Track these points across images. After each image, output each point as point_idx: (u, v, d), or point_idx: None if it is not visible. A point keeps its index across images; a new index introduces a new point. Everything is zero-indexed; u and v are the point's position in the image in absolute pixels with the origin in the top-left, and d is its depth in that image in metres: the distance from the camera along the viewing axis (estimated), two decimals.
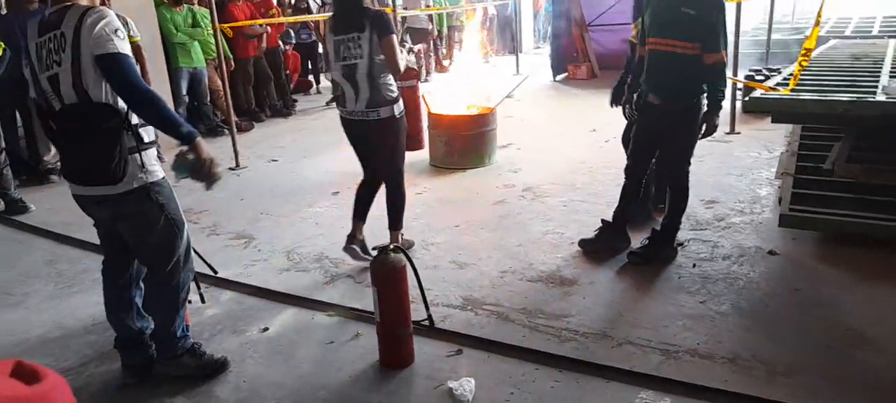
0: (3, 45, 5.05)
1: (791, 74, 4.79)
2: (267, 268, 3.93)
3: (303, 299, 3.48)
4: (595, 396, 2.57)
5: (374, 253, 2.88)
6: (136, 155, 2.44)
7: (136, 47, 5.87)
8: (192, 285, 3.19)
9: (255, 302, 3.50)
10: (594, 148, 6.23)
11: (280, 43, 8.92)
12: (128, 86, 2.32)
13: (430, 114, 5.93)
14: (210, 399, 2.68)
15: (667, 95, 3.52)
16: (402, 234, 4.03)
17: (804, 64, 4.75)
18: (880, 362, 2.69)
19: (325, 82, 10.58)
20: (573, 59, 10.59)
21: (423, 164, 5.91)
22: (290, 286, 3.64)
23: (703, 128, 3.49)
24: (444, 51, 12.73)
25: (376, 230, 3.98)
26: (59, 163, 5.74)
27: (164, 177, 2.57)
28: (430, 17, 11.39)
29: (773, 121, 4.29)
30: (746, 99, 4.68)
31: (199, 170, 2.48)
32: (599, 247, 3.83)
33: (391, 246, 2.80)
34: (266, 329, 3.20)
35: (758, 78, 6.71)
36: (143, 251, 2.67)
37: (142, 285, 2.81)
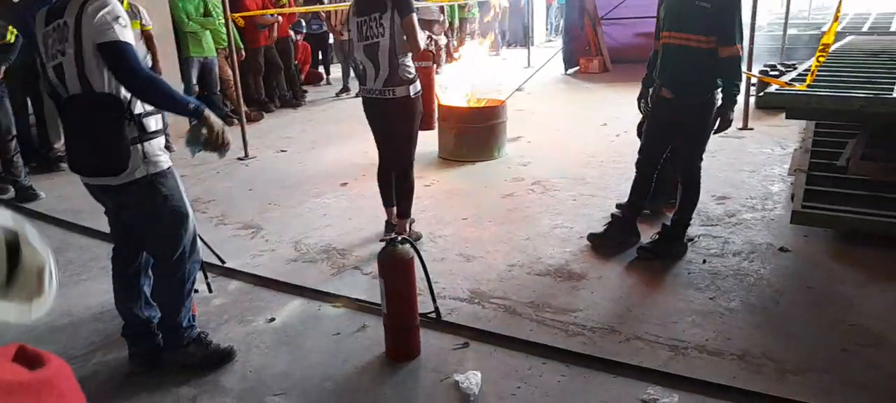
0: (16, 32, 5.07)
1: (807, 70, 4.73)
2: (274, 259, 3.92)
3: (310, 290, 3.47)
4: (602, 390, 2.55)
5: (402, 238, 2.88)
6: (139, 145, 2.42)
7: (147, 36, 5.90)
8: (200, 274, 3.20)
9: (262, 293, 3.50)
10: (605, 142, 6.18)
11: (290, 33, 8.91)
12: (129, 73, 2.30)
13: (440, 105, 5.91)
14: (216, 389, 2.68)
15: (681, 89, 3.48)
16: (413, 221, 4.05)
17: (822, 59, 4.68)
18: (893, 362, 2.65)
19: (335, 73, 10.57)
20: (585, 52, 10.53)
21: (432, 156, 5.89)
22: (297, 277, 3.64)
23: (717, 122, 3.45)
24: (455, 43, 12.69)
25: (373, 213, 3.96)
26: None
27: (169, 168, 2.55)
28: (442, 8, 11.35)
29: (787, 117, 4.24)
30: (761, 94, 4.61)
31: (213, 141, 2.49)
32: (608, 242, 3.80)
33: (399, 238, 2.78)
34: (272, 319, 3.20)
35: (773, 73, 6.64)
36: (148, 241, 2.67)
37: (151, 274, 2.82)
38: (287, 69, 8.79)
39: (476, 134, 5.68)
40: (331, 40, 10.17)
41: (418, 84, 3.73)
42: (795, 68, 5.74)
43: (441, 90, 5.86)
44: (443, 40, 10.66)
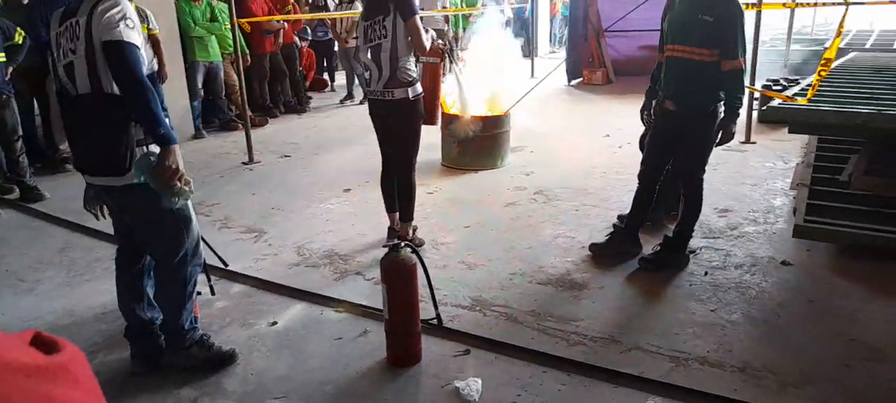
0: (24, 34, 5.11)
1: (809, 85, 4.75)
2: (277, 263, 3.94)
3: (312, 294, 3.48)
4: (603, 400, 2.55)
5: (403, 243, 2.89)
6: (144, 147, 2.43)
7: (154, 40, 5.92)
8: (202, 277, 3.21)
9: (265, 296, 3.51)
10: (607, 153, 6.20)
11: (296, 39, 8.96)
12: (124, 73, 2.30)
13: (443, 114, 5.93)
14: (217, 391, 2.69)
15: (684, 101, 3.50)
16: (415, 228, 4.08)
17: (823, 74, 4.70)
18: (894, 376, 2.65)
19: (339, 81, 10.61)
20: (588, 63, 10.56)
21: (435, 164, 5.91)
22: (299, 281, 3.65)
23: (720, 135, 3.46)
24: (459, 53, 12.72)
25: (376, 219, 3.97)
26: None
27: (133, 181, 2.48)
28: (447, 18, 11.40)
29: (790, 132, 4.25)
30: (763, 108, 4.63)
31: (159, 178, 2.39)
32: (610, 252, 3.81)
33: (402, 244, 2.80)
34: (274, 322, 3.21)
35: (776, 88, 6.66)
36: (150, 243, 2.69)
37: (154, 275, 2.83)
38: (292, 75, 8.83)
39: (479, 142, 5.70)
40: (336, 48, 10.21)
41: (418, 86, 3.79)
42: (798, 83, 5.75)
43: (450, 98, 5.87)
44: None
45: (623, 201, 4.54)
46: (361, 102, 8.96)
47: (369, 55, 3.76)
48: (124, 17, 2.30)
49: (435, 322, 3.05)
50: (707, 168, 3.64)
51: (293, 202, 5.06)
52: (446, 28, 11.52)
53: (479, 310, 3.26)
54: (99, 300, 3.44)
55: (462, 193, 5.15)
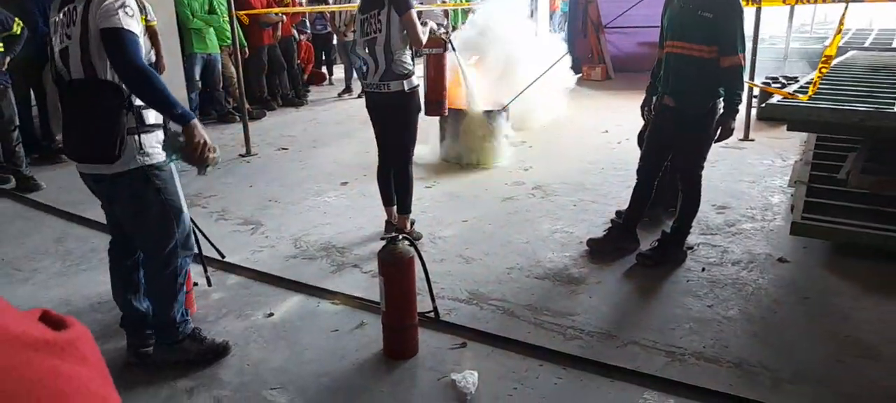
0: (22, 24, 5.08)
1: (810, 82, 4.75)
2: (274, 255, 3.93)
3: (309, 286, 3.48)
4: (599, 394, 2.56)
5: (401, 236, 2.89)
6: (136, 136, 2.42)
7: (152, 31, 5.90)
8: (199, 268, 3.21)
9: (261, 288, 3.51)
10: (606, 149, 6.20)
11: (294, 32, 8.94)
12: (124, 61, 2.28)
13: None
14: (213, 382, 2.69)
15: (683, 98, 3.50)
16: (413, 221, 4.09)
17: (824, 71, 4.70)
18: (887, 375, 2.65)
19: (338, 74, 10.60)
20: (588, 60, 10.55)
21: (434, 158, 5.90)
22: (296, 273, 3.65)
23: (718, 131, 3.46)
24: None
25: (373, 213, 3.96)
26: None
27: (165, 162, 2.54)
28: (446, 12, 11.39)
29: (788, 129, 4.26)
30: (762, 105, 4.63)
31: (191, 154, 2.44)
32: (608, 247, 3.81)
33: (400, 237, 2.79)
34: (271, 314, 3.21)
35: (775, 85, 6.66)
36: (138, 234, 2.66)
37: (143, 267, 2.79)
38: (290, 68, 8.82)
39: (479, 137, 5.68)
40: (334, 41, 10.20)
41: (414, 79, 3.81)
42: (798, 81, 5.75)
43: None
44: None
45: (621, 197, 4.55)
46: (359, 96, 8.94)
47: (365, 48, 3.79)
48: (123, 5, 2.29)
49: (432, 315, 3.05)
50: (705, 165, 3.64)
51: (290, 194, 5.06)
52: (445, 22, 11.52)
53: (476, 304, 3.26)
54: (95, 290, 3.44)
55: (460, 188, 5.14)
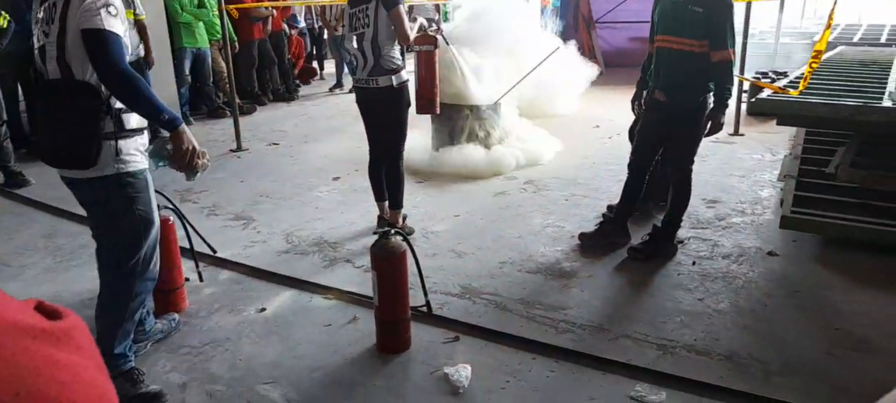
0: (8, 18, 5.03)
1: (800, 76, 4.77)
2: (265, 250, 3.92)
3: (301, 281, 3.47)
4: (591, 387, 2.57)
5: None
6: (112, 142, 2.29)
7: (141, 25, 5.87)
8: (191, 263, 3.19)
9: (253, 283, 3.50)
10: (597, 143, 6.21)
11: (284, 27, 8.90)
12: (107, 64, 2.17)
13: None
14: (206, 377, 2.68)
15: (674, 93, 3.51)
16: (405, 216, 4.09)
17: (814, 65, 4.73)
18: (877, 367, 2.68)
19: (328, 69, 10.56)
20: (579, 55, 10.55)
21: (426, 153, 5.88)
22: (288, 268, 3.64)
23: (708, 126, 3.48)
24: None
25: (365, 208, 3.96)
26: None
27: (142, 170, 2.43)
28: (437, 7, 11.36)
29: (778, 124, 4.29)
30: (753, 100, 4.66)
31: (179, 161, 2.38)
32: (599, 242, 3.82)
33: (392, 231, 2.79)
34: (263, 309, 3.20)
35: (765, 81, 6.70)
36: (108, 238, 2.52)
37: (100, 279, 2.63)
38: (280, 63, 8.78)
39: (470, 132, 5.67)
40: (325, 36, 10.15)
41: (403, 74, 3.79)
42: (787, 76, 5.79)
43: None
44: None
45: (612, 191, 4.56)
46: (350, 91, 8.92)
47: (354, 43, 3.78)
48: (106, 5, 2.17)
49: (424, 309, 3.05)
50: (696, 159, 3.66)
51: (282, 190, 5.04)
52: (436, 16, 11.50)
53: (469, 298, 3.27)
54: (85, 286, 3.41)
55: (452, 183, 5.14)
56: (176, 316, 3.06)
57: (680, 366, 2.67)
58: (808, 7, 12.25)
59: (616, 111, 7.11)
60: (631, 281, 3.47)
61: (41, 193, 4.99)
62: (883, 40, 8.30)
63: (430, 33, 4.25)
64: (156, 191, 2.61)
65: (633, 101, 3.92)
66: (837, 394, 2.52)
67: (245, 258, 3.78)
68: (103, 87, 2.25)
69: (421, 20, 4.11)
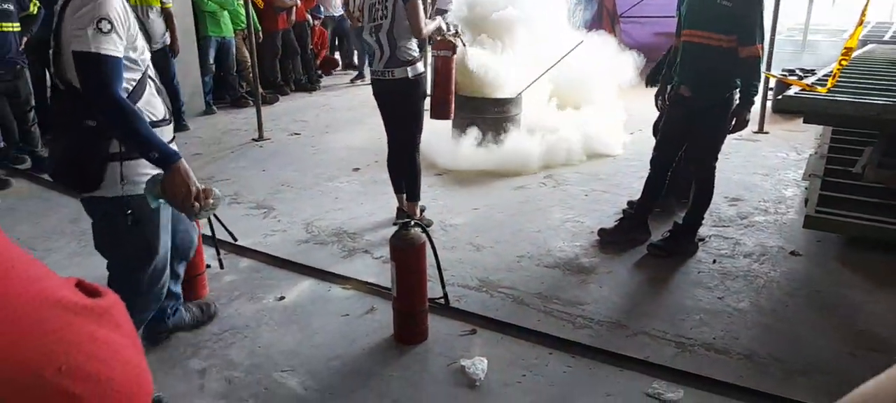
0: (39, 4, 5.12)
1: (829, 74, 4.68)
2: (285, 239, 3.96)
3: (320, 271, 3.50)
4: (608, 383, 2.56)
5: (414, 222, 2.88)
6: (118, 163, 2.10)
7: (167, 13, 5.93)
8: (212, 251, 3.23)
9: (273, 271, 3.53)
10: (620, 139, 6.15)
11: (308, 17, 8.93)
12: (94, 89, 1.95)
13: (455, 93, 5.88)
14: (225, 363, 2.71)
15: (699, 88, 3.47)
16: (424, 208, 4.09)
17: (844, 63, 4.64)
18: None
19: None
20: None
21: (446, 147, 5.87)
22: (307, 257, 3.67)
23: (733, 122, 3.44)
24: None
25: (385, 199, 3.97)
26: None
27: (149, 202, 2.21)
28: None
29: (804, 122, 4.20)
30: (779, 97, 4.58)
31: (176, 204, 2.10)
32: (619, 238, 3.80)
33: (412, 222, 2.80)
34: (282, 298, 3.23)
35: (791, 78, 6.58)
36: (109, 258, 2.35)
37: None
38: (303, 53, 8.82)
39: (490, 125, 5.66)
40: (347, 25, 10.16)
41: (419, 66, 3.79)
42: (814, 73, 5.68)
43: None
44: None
45: (634, 187, 4.53)
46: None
47: (371, 35, 3.80)
48: (99, 19, 1.91)
49: (442, 301, 3.06)
50: (719, 156, 3.61)
51: (302, 179, 5.08)
52: (451, 6, 11.43)
53: (486, 291, 3.27)
54: None
55: (471, 176, 5.14)
56: (211, 304, 3.04)
57: (698, 364, 2.66)
58: (838, 4, 12.02)
59: (638, 106, 7.03)
60: (650, 277, 3.44)
61: None
62: None
63: (450, 38, 4.19)
64: None
65: (657, 97, 3.88)
66: None
67: (265, 246, 3.82)
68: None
69: (440, 22, 4.08)
